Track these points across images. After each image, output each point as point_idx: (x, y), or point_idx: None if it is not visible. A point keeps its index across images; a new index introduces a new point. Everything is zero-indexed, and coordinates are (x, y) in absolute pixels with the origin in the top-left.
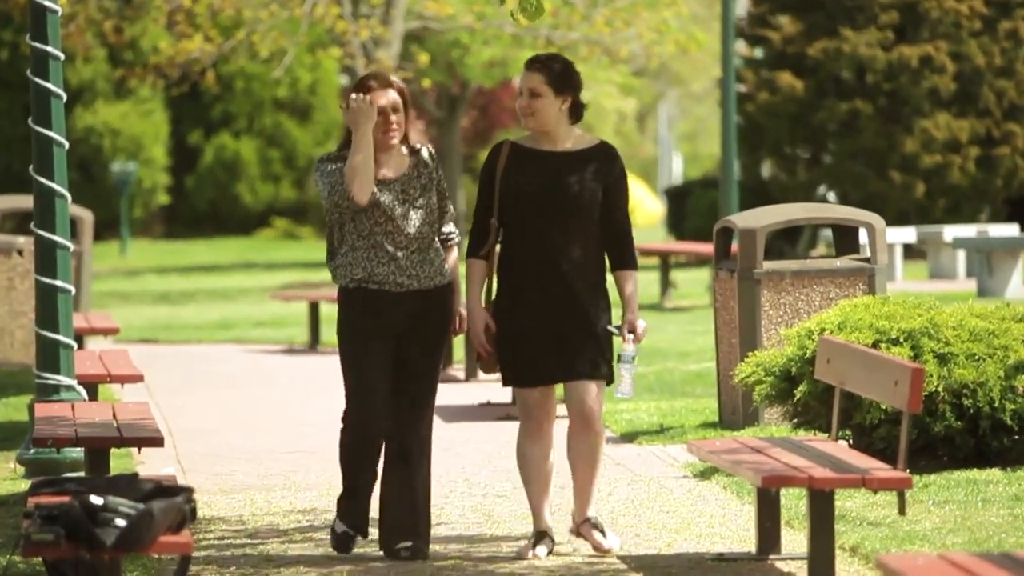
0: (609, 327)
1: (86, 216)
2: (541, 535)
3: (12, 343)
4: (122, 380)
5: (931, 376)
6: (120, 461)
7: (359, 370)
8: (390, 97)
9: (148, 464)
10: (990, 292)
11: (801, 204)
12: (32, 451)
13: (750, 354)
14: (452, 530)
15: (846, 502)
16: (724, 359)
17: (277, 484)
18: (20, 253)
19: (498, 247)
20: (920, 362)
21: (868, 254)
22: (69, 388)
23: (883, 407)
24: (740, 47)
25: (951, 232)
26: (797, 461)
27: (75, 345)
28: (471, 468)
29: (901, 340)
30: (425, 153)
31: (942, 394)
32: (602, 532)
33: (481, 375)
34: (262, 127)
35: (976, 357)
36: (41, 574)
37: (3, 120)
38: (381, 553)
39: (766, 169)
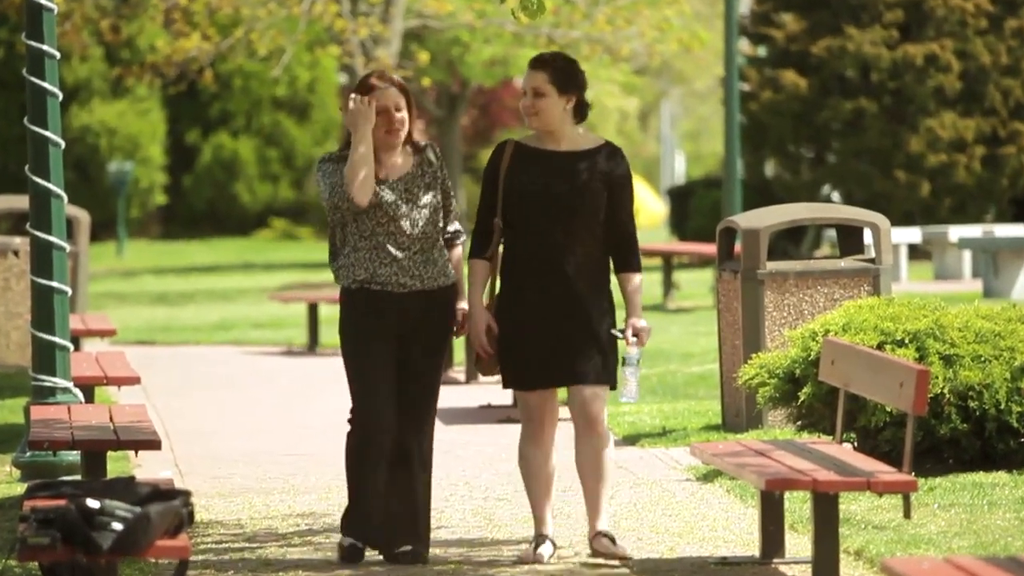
0: (613, 331)
1: (82, 216)
2: (542, 539)
3: (8, 345)
4: (119, 382)
5: (936, 378)
6: (117, 464)
7: (361, 371)
8: (392, 95)
9: (145, 467)
10: (996, 293)
11: (805, 204)
12: (28, 454)
13: (754, 356)
14: (452, 534)
15: (851, 505)
16: (727, 361)
17: (276, 487)
18: (16, 254)
19: (501, 247)
20: (925, 364)
21: (873, 254)
22: (65, 390)
23: (888, 409)
24: (743, 45)
25: (956, 232)
26: (801, 464)
27: (71, 347)
28: (472, 471)
29: (906, 341)
30: (430, 151)
31: (948, 396)
32: (613, 542)
33: (481, 377)
34: (260, 126)
35: (982, 359)
36: None
37: None
38: (381, 557)
39: (770, 168)
